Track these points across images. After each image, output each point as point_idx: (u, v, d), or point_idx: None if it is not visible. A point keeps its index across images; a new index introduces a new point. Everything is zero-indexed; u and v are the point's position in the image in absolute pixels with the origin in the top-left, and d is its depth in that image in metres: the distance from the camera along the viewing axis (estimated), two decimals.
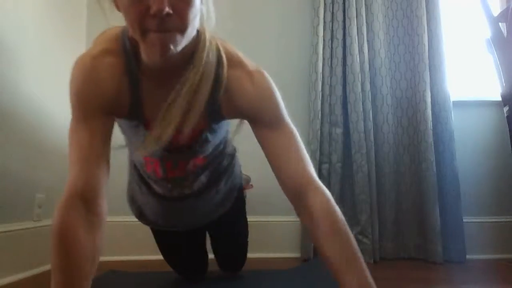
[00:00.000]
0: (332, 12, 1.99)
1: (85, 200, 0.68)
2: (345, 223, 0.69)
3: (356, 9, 1.97)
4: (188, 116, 0.75)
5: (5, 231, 1.37)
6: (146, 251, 1.82)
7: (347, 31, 1.96)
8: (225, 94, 0.79)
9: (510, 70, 1.75)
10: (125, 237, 1.86)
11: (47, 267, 1.59)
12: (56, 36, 1.76)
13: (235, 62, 0.80)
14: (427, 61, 1.94)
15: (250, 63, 0.82)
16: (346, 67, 1.96)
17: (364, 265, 0.65)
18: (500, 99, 1.84)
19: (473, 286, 1.44)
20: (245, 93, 0.79)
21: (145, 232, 1.85)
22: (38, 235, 1.51)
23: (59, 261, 0.61)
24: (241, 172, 1.23)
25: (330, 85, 1.96)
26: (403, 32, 2.04)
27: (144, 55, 0.73)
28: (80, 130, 0.75)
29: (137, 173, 1.07)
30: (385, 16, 2.05)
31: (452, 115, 1.93)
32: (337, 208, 0.71)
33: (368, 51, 2.00)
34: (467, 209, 1.92)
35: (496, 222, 1.98)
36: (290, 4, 2.11)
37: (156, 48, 0.66)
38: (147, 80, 0.79)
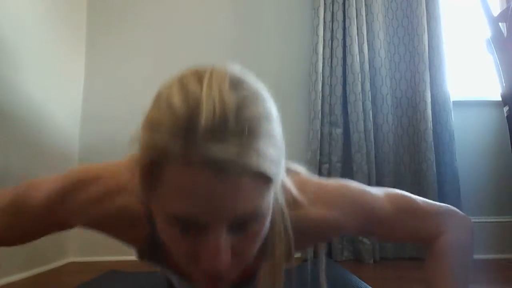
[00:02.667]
0: (332, 12, 1.99)
1: None
2: (454, 254, 0.69)
3: (356, 9, 1.98)
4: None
5: None
6: None
7: (347, 31, 1.96)
8: (297, 240, 0.58)
9: (510, 70, 1.75)
10: None
11: (47, 267, 1.59)
12: (56, 36, 1.76)
13: (296, 200, 0.60)
14: (427, 61, 1.94)
15: (309, 186, 0.63)
16: (346, 67, 1.96)
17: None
18: (500, 99, 1.84)
19: (473, 286, 1.43)
20: (323, 224, 0.62)
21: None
22: None
23: None
24: None
25: (330, 85, 1.96)
26: (403, 32, 2.04)
27: None
28: (30, 213, 0.62)
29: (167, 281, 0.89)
30: (385, 16, 2.05)
31: (452, 115, 1.93)
32: (455, 244, 0.70)
33: (368, 51, 2.00)
34: (467, 209, 1.92)
35: (496, 222, 1.98)
36: (290, 4, 2.11)
37: (203, 285, 0.51)
38: None
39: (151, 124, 0.43)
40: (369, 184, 1.87)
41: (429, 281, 0.67)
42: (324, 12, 1.98)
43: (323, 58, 1.96)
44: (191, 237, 0.43)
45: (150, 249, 0.62)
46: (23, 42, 1.51)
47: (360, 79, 1.94)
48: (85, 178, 0.60)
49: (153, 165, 0.42)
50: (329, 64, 1.97)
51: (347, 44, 1.96)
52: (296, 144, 1.91)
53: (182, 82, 0.44)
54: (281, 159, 0.46)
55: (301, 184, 0.62)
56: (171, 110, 0.41)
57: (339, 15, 1.97)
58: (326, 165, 1.92)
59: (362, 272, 1.55)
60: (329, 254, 1.88)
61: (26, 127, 1.53)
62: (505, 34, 1.79)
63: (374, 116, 1.97)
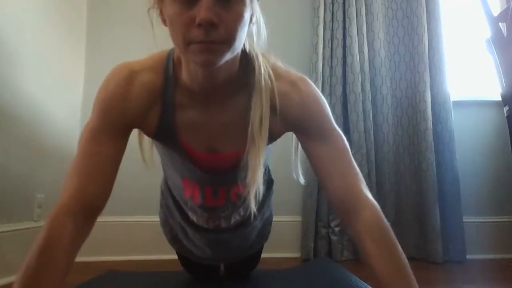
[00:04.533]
0: (332, 12, 1.99)
1: (80, 216, 0.65)
2: (394, 240, 0.66)
3: (356, 9, 1.98)
4: (254, 144, 0.72)
5: (5, 231, 1.37)
6: (146, 251, 1.83)
7: (347, 31, 1.96)
8: (274, 111, 0.74)
9: (510, 70, 1.75)
10: (125, 237, 1.86)
11: None
12: (56, 36, 1.76)
13: (279, 75, 0.77)
14: (427, 61, 1.94)
15: (293, 72, 0.80)
16: (346, 67, 1.96)
17: (414, 281, 0.62)
18: (500, 99, 1.84)
19: (473, 286, 1.44)
20: (291, 105, 0.75)
21: (145, 232, 1.85)
22: (38, 235, 1.51)
23: (31, 271, 0.57)
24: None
25: (330, 85, 1.96)
26: (403, 32, 2.04)
27: (185, 73, 0.72)
28: (94, 143, 0.70)
29: (172, 199, 1.01)
30: (385, 16, 2.05)
31: (452, 115, 1.93)
32: (386, 224, 0.68)
33: (368, 51, 2.00)
34: (467, 209, 1.92)
35: (496, 222, 1.98)
36: (290, 4, 2.11)
37: (199, 59, 0.63)
38: (185, 105, 0.76)
39: None
40: (369, 184, 1.87)
41: (385, 273, 0.64)
42: (324, 12, 1.98)
43: (323, 58, 1.96)
44: (188, 10, 0.60)
45: (163, 123, 0.76)
46: (23, 42, 1.51)
47: (360, 79, 1.94)
48: (104, 84, 0.75)
49: None
50: (329, 64, 1.97)
51: (347, 44, 1.96)
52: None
53: None
54: None
55: (288, 69, 0.80)
56: None
57: (339, 15, 1.97)
58: None
59: (362, 272, 1.55)
60: (329, 254, 1.88)
61: (26, 127, 1.53)
62: (505, 34, 1.79)
63: (374, 116, 1.97)
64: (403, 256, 0.65)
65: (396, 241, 0.66)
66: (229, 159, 0.81)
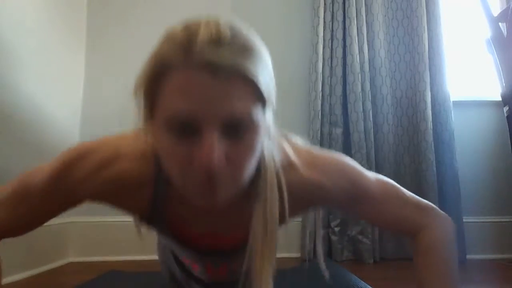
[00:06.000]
0: (332, 12, 1.99)
1: None
2: (447, 259, 0.68)
3: (356, 9, 1.98)
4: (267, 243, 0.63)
5: None
6: (146, 251, 1.82)
7: (347, 31, 1.96)
8: (290, 200, 0.62)
9: (510, 70, 1.75)
10: (125, 237, 1.86)
11: (47, 267, 1.59)
12: (56, 36, 1.76)
13: (291, 163, 0.65)
14: (427, 61, 1.94)
15: (305, 152, 0.69)
16: (346, 67, 1.96)
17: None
18: (500, 99, 1.84)
19: (473, 286, 1.44)
20: (313, 188, 0.66)
21: (145, 232, 1.83)
22: (37, 235, 1.50)
23: None
24: None
25: (330, 85, 1.96)
26: (403, 32, 2.04)
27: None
28: (37, 195, 0.62)
29: (172, 254, 0.92)
30: (385, 16, 2.05)
31: (452, 115, 1.93)
32: (443, 244, 0.70)
33: (368, 51, 2.00)
34: (467, 209, 1.92)
35: (496, 222, 1.98)
36: (290, 4, 2.11)
37: (199, 202, 0.54)
38: (180, 200, 0.61)
39: (154, 49, 0.50)
40: None
41: (422, 279, 0.68)
42: (324, 12, 1.98)
43: (323, 58, 1.96)
44: (187, 143, 0.47)
45: (151, 212, 0.65)
46: (23, 42, 1.51)
47: (360, 79, 1.94)
48: (84, 150, 0.62)
49: (156, 75, 0.48)
50: (329, 64, 1.97)
51: (347, 44, 1.96)
52: None
53: (182, 23, 0.50)
54: (272, 89, 0.52)
55: (298, 150, 0.67)
56: (172, 35, 0.48)
57: (339, 15, 1.97)
58: None
59: (362, 272, 1.55)
60: (329, 254, 1.88)
61: (26, 127, 1.53)
62: (505, 34, 1.79)
63: (374, 116, 1.97)
64: (451, 271, 0.67)
65: (449, 256, 0.69)
66: (230, 243, 0.73)
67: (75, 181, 0.61)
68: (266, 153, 0.59)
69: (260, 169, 0.59)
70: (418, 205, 0.74)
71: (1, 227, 0.64)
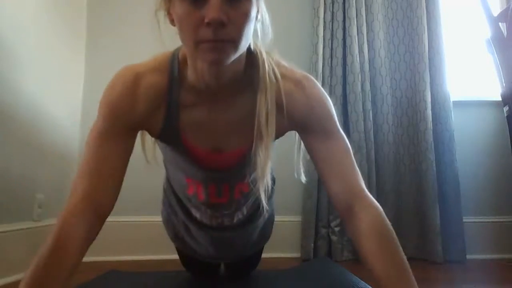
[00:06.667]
0: (332, 12, 1.99)
1: (90, 217, 0.66)
2: (395, 240, 0.66)
3: (356, 9, 1.98)
4: (262, 139, 0.73)
5: (5, 231, 1.37)
6: (146, 251, 1.83)
7: (347, 31, 1.96)
8: (279, 109, 0.75)
9: (510, 70, 1.75)
10: (125, 237, 1.86)
11: None
12: (56, 36, 1.76)
13: (284, 74, 0.78)
14: (427, 61, 1.94)
15: (297, 70, 0.81)
16: (346, 67, 1.96)
17: (413, 281, 0.62)
18: (500, 99, 1.84)
19: (473, 286, 1.44)
20: (296, 104, 0.76)
21: (145, 232, 1.85)
22: (38, 235, 1.51)
23: (41, 271, 0.58)
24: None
25: (330, 85, 1.96)
26: (403, 32, 2.04)
27: (191, 73, 0.73)
28: (102, 144, 0.71)
29: (175, 197, 1.01)
30: (385, 16, 2.05)
31: (452, 115, 1.93)
32: (387, 225, 0.68)
33: (368, 51, 2.00)
34: (467, 209, 1.92)
35: (496, 222, 1.98)
36: (290, 4, 2.11)
37: (208, 57, 0.64)
38: (190, 105, 0.77)
39: None
40: (369, 184, 1.87)
41: (382, 269, 0.64)
42: (324, 12, 1.98)
43: (323, 58, 1.96)
44: (197, 10, 0.61)
45: (167, 124, 0.77)
46: (23, 42, 1.51)
47: (360, 79, 1.94)
48: (109, 87, 0.74)
49: None
50: (329, 64, 1.97)
51: (347, 44, 1.96)
52: None
53: None
54: None
55: (292, 68, 0.82)
56: None
57: (339, 15, 1.97)
58: None
59: (362, 272, 1.54)
60: (329, 254, 1.88)
61: (26, 127, 1.53)
62: (505, 34, 1.79)
63: (374, 116, 1.97)
64: (403, 256, 0.65)
65: (397, 241, 0.66)
66: (233, 157, 0.82)
67: (120, 103, 0.72)
68: (261, 46, 0.76)
69: (257, 60, 0.75)
70: (362, 183, 0.75)
71: (91, 192, 0.68)
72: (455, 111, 1.95)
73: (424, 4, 1.98)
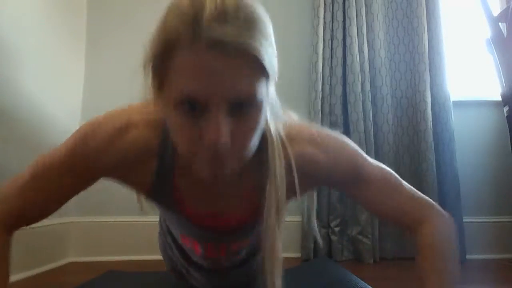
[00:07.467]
0: (332, 12, 1.99)
1: (11, 231, 0.69)
2: (447, 256, 0.67)
3: (356, 9, 1.98)
4: (272, 234, 0.62)
5: None
6: (146, 251, 1.83)
7: (347, 31, 1.96)
8: (300, 176, 0.66)
9: (510, 70, 1.75)
10: (125, 237, 1.86)
11: (47, 267, 1.59)
12: (56, 36, 1.76)
13: (293, 139, 0.67)
14: (427, 61, 1.94)
15: (304, 126, 0.72)
16: (346, 67, 1.96)
17: None
18: (500, 99, 1.84)
19: (473, 286, 1.44)
20: (318, 168, 0.68)
21: (145, 232, 1.84)
22: (37, 235, 1.50)
23: None
24: None
25: (330, 85, 1.96)
26: (403, 32, 2.04)
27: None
28: (52, 174, 0.66)
29: (172, 238, 0.94)
30: (385, 16, 2.05)
31: (452, 115, 1.93)
32: (443, 241, 0.69)
33: (368, 51, 2.00)
34: (467, 209, 1.92)
35: (496, 222, 1.98)
36: (290, 4, 2.11)
37: (205, 172, 0.55)
38: (186, 169, 0.62)
39: (161, 22, 0.51)
40: None
41: (422, 276, 0.67)
42: (324, 12, 1.98)
43: (323, 58, 1.96)
44: (195, 120, 0.50)
45: (157, 184, 0.67)
46: (23, 42, 1.51)
47: (360, 79, 1.94)
48: (97, 122, 0.65)
49: (164, 52, 0.50)
50: (329, 64, 1.97)
51: (347, 44, 1.96)
52: None
53: None
54: (275, 63, 0.54)
55: (300, 126, 0.71)
56: (179, 9, 0.49)
57: (339, 15, 1.97)
58: None
59: (362, 272, 1.55)
60: (329, 254, 1.88)
61: (26, 127, 1.53)
62: (505, 34, 1.79)
63: (374, 116, 1.97)
64: (450, 268, 0.66)
65: (447, 261, 0.67)
66: (232, 223, 0.74)
67: (90, 153, 0.63)
68: (270, 126, 0.63)
69: (264, 140, 0.62)
70: (419, 199, 0.74)
71: (21, 212, 0.66)
72: (455, 111, 1.95)
73: (424, 4, 1.98)
